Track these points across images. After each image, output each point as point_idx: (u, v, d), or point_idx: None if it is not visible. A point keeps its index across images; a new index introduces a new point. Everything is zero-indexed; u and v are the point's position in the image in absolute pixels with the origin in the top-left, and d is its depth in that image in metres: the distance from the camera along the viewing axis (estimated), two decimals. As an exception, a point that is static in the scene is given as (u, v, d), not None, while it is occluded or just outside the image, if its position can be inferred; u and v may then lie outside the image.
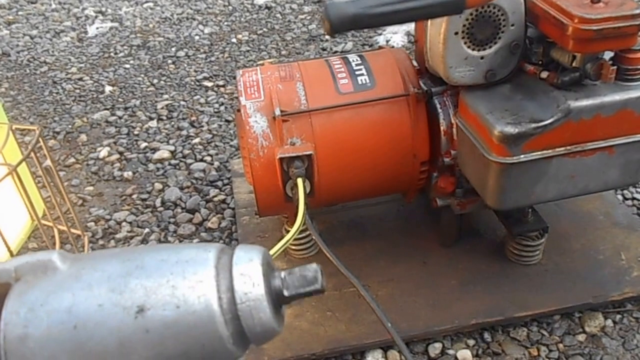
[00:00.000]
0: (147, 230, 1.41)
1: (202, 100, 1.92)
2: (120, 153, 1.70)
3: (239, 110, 1.11)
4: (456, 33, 0.95)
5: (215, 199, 1.48)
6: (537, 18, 0.95)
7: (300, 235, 1.15)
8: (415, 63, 1.16)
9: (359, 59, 1.16)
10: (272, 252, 0.93)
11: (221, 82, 2.02)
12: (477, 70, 0.99)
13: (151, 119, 1.85)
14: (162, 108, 1.90)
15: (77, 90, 2.06)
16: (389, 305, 1.08)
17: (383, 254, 1.21)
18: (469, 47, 0.97)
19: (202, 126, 1.79)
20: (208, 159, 1.64)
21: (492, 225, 1.24)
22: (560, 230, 1.21)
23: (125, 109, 1.92)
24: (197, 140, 1.72)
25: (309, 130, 1.07)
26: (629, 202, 1.35)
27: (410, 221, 1.29)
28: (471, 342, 1.06)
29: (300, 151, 1.05)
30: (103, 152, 1.71)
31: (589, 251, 1.18)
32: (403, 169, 1.12)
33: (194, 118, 1.83)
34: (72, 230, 1.26)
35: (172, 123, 1.82)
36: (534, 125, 0.91)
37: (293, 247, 1.20)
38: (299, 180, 1.03)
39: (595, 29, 0.85)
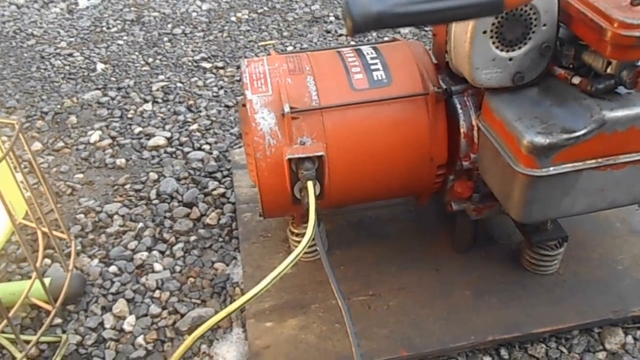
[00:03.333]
0: (140, 225, 1.33)
1: (200, 83, 1.83)
2: (113, 138, 1.62)
3: (244, 105, 1.03)
4: (484, 32, 0.88)
5: (214, 192, 1.40)
6: (571, 18, 0.88)
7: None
8: (433, 57, 1.09)
9: (373, 51, 1.08)
10: (281, 267, 0.87)
11: (220, 64, 1.93)
12: (504, 72, 0.92)
13: (146, 101, 1.76)
14: (157, 90, 1.81)
15: (67, 67, 1.96)
16: (402, 317, 1.03)
17: (393, 259, 1.15)
18: (497, 47, 0.89)
19: (200, 111, 1.70)
20: (207, 147, 1.56)
21: (507, 230, 1.19)
22: (576, 237, 1.16)
23: (119, 89, 1.83)
24: (194, 126, 1.64)
25: (321, 129, 1.00)
26: (647, 209, 1.30)
27: (421, 224, 1.23)
28: (487, 358, 1.01)
29: (310, 152, 0.98)
30: (94, 136, 1.63)
31: (607, 261, 1.13)
32: (419, 172, 1.06)
33: (191, 102, 1.74)
34: (56, 234, 1.14)
35: (168, 107, 1.73)
36: (566, 136, 0.85)
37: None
38: (309, 184, 0.97)
39: (638, 35, 0.78)
